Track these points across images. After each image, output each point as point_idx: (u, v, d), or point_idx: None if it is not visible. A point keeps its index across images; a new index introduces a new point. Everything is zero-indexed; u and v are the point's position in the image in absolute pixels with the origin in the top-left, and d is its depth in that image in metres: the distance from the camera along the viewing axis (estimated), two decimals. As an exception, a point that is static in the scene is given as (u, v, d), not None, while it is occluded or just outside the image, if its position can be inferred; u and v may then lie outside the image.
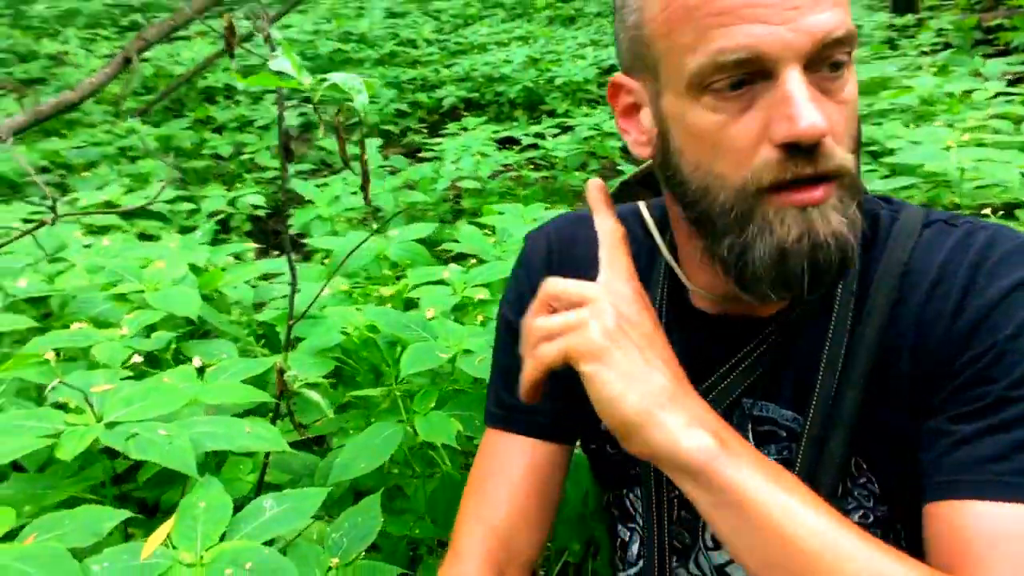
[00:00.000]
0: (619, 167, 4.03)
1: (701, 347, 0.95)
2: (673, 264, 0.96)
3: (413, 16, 9.36)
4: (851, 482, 0.92)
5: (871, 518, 0.93)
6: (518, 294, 1.06)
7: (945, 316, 0.83)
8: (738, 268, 0.82)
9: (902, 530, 0.93)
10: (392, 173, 3.68)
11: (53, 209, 1.27)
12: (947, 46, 5.78)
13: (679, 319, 0.97)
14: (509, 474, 1.03)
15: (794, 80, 0.74)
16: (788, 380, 0.92)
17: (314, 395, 1.34)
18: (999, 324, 0.81)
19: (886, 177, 2.44)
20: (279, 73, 1.16)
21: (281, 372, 1.35)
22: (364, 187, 1.18)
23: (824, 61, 0.76)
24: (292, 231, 3.08)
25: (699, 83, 0.78)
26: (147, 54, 6.80)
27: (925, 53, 5.34)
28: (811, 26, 0.74)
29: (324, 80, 1.17)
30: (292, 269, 1.33)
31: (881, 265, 0.89)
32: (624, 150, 4.15)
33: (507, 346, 1.06)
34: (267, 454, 1.39)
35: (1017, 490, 0.77)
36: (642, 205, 1.04)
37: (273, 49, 1.21)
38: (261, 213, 4.14)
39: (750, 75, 0.76)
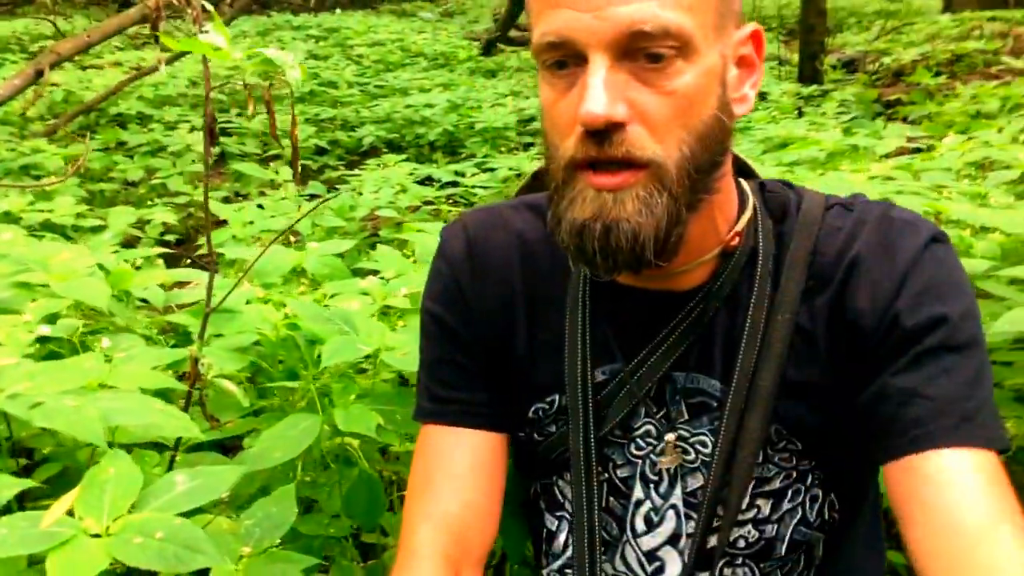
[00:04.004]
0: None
1: (630, 322, 0.97)
2: None
3: (335, 59, 9.37)
4: (771, 448, 0.95)
5: (793, 475, 0.95)
6: (442, 287, 1.05)
7: (858, 292, 0.88)
8: (556, 237, 0.87)
9: (825, 481, 0.97)
10: (309, 198, 3.65)
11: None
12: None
13: (606, 296, 0.97)
14: (453, 468, 1.01)
15: (593, 66, 0.79)
16: (717, 352, 0.94)
17: (229, 385, 1.30)
18: (911, 286, 0.86)
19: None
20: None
21: (195, 360, 1.30)
22: (294, 162, 1.17)
23: (640, 51, 0.79)
24: (205, 251, 3.01)
25: (538, 61, 0.85)
26: (58, 79, 6.62)
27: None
28: (614, 16, 0.77)
29: (255, 54, 1.16)
30: (211, 252, 1.29)
31: (791, 249, 0.93)
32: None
33: (436, 339, 1.05)
34: (176, 448, 1.34)
35: (965, 437, 0.82)
36: None
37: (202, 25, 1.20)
38: (171, 238, 4.03)
39: (570, 57, 0.81)
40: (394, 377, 1.68)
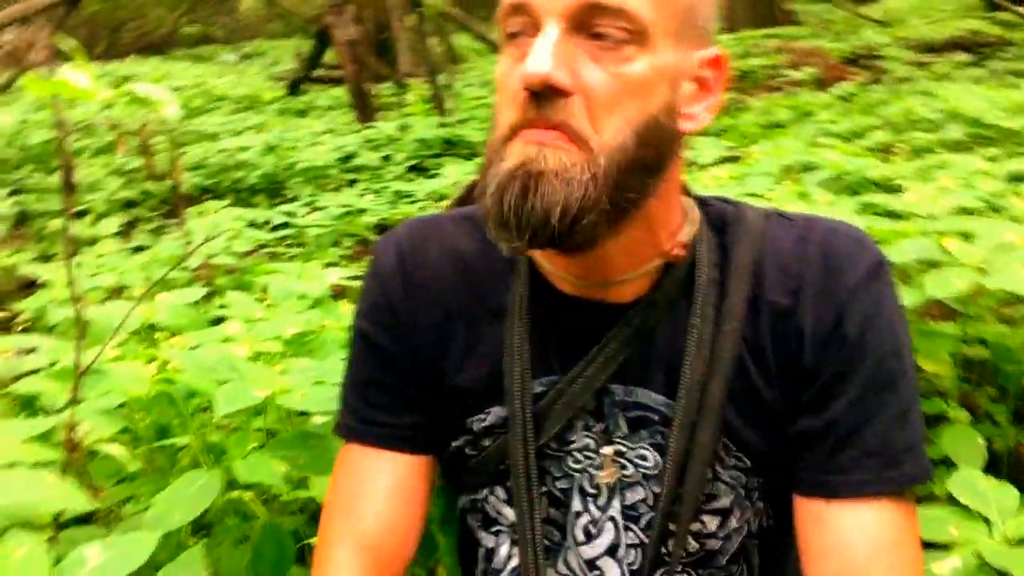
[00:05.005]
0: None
1: (568, 333, 0.95)
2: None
3: (135, 108, 8.91)
4: (720, 466, 0.93)
5: (742, 493, 0.95)
6: (372, 304, 1.01)
7: (803, 313, 0.89)
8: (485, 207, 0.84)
9: (769, 499, 0.97)
10: (136, 250, 3.44)
11: None
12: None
13: (546, 306, 0.96)
14: (374, 489, 0.98)
15: (544, 30, 0.79)
16: (659, 365, 0.93)
17: (115, 449, 1.20)
18: (854, 315, 0.87)
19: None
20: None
21: (71, 427, 1.20)
22: (176, 202, 1.09)
23: (592, 27, 0.79)
24: (27, 316, 2.77)
25: (501, 32, 0.84)
26: None
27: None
28: None
29: (125, 92, 1.09)
30: (78, 303, 1.19)
31: (734, 259, 0.92)
32: (378, 227, 4.14)
33: (365, 358, 1.02)
34: (57, 528, 1.22)
35: (885, 485, 0.86)
36: None
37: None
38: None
39: (528, 27, 0.81)
40: (279, 426, 1.60)
